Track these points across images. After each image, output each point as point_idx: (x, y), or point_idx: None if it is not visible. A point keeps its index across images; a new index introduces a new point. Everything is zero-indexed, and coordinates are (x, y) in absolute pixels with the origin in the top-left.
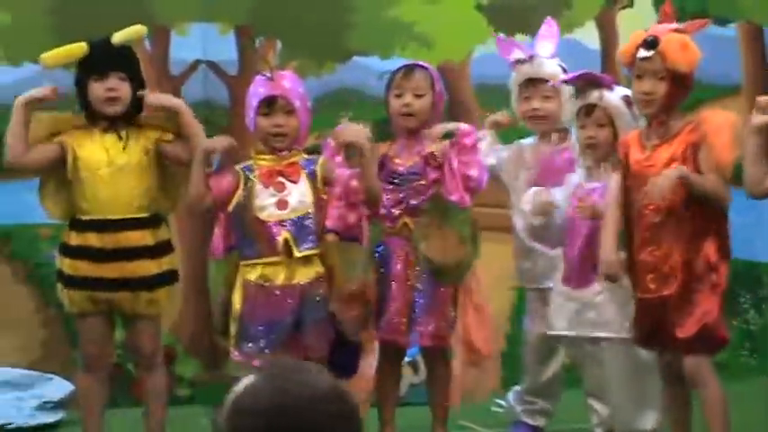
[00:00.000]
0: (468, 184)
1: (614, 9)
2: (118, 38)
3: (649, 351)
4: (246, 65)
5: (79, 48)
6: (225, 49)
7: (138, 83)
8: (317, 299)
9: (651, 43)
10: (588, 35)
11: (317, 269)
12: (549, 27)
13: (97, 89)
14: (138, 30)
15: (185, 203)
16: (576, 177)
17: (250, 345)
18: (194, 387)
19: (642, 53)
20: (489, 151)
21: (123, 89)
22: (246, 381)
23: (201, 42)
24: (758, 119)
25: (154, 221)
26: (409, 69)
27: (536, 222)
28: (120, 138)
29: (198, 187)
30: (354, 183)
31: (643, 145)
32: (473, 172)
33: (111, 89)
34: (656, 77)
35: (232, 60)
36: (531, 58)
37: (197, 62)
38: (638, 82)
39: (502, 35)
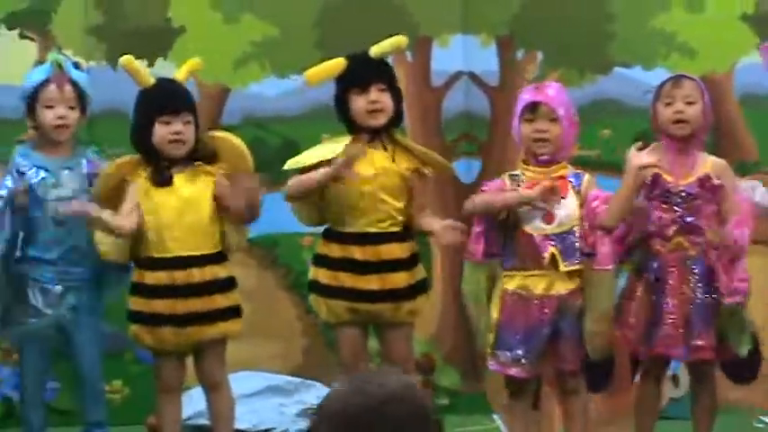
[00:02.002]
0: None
1: None
2: (376, 50)
3: None
4: (507, 76)
5: (339, 63)
6: (486, 60)
7: (396, 94)
8: (574, 311)
9: None
10: None
11: (577, 282)
12: None
13: (359, 102)
14: (396, 41)
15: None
16: None
17: (507, 354)
18: (453, 396)
19: None
20: None
21: (385, 100)
22: (334, 386)
23: (463, 53)
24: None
25: (406, 236)
26: (678, 78)
27: None
28: (385, 149)
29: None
30: (597, 205)
31: None
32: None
33: (374, 101)
34: None
35: (493, 71)
36: None
37: (458, 73)
38: None
39: None
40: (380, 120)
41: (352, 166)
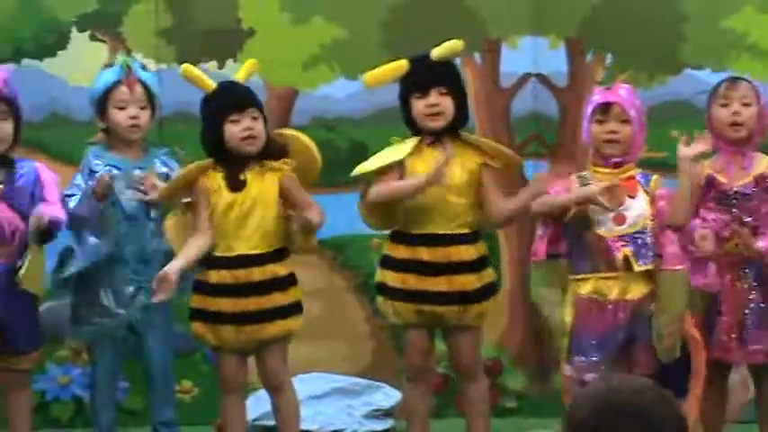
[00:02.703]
0: None
1: None
2: (437, 53)
3: None
4: (576, 77)
5: (400, 66)
6: (555, 61)
7: (459, 97)
8: (649, 315)
9: None
10: None
11: (651, 285)
12: None
13: (419, 105)
14: (455, 44)
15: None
16: None
17: (582, 359)
18: (521, 399)
19: None
20: None
21: (445, 103)
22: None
23: (532, 55)
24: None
25: (475, 237)
26: (734, 80)
27: None
28: (439, 151)
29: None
30: (663, 204)
31: None
32: None
33: (433, 105)
34: None
35: (562, 73)
36: None
37: (527, 75)
38: None
39: None
40: (440, 123)
41: (442, 179)
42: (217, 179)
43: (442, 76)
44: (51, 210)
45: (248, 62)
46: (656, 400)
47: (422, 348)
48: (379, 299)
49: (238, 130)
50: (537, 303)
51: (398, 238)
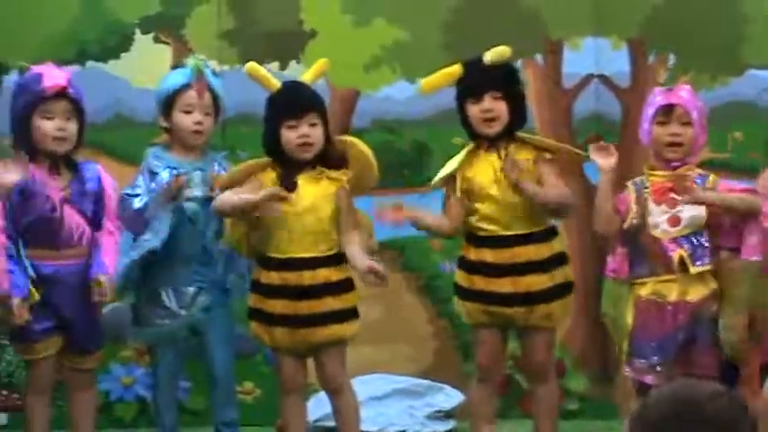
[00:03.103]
0: None
1: None
2: (489, 57)
3: None
4: (638, 78)
5: (454, 71)
6: (617, 62)
7: (514, 101)
8: (708, 316)
9: None
10: None
11: (711, 286)
12: None
13: (473, 110)
14: (503, 50)
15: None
16: None
17: (642, 360)
18: (583, 401)
19: None
20: None
21: (499, 108)
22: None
23: (594, 56)
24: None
25: (547, 236)
26: None
27: None
28: (499, 157)
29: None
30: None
31: None
32: None
33: (487, 110)
34: None
35: (624, 74)
36: None
37: (589, 76)
38: None
39: None
40: (494, 128)
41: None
42: (271, 179)
43: (495, 80)
44: (106, 263)
45: (318, 63)
46: (728, 405)
47: (492, 349)
48: (455, 299)
49: (294, 136)
50: (607, 320)
51: (469, 239)
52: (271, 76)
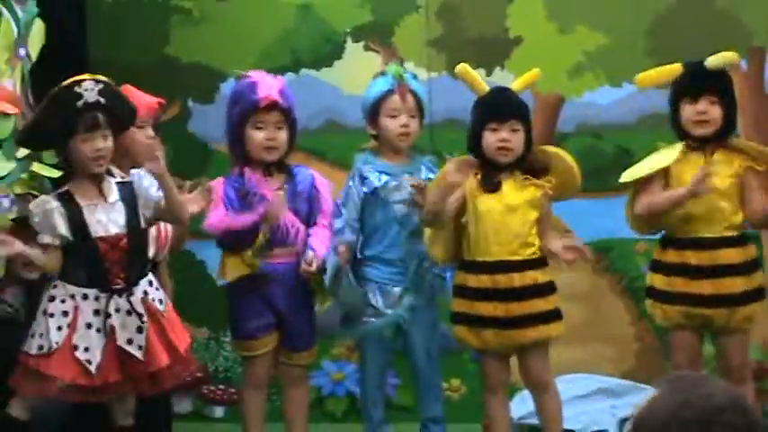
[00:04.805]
0: None
1: None
2: (712, 62)
3: None
4: None
5: (673, 69)
6: None
7: (729, 107)
8: None
9: None
10: None
11: None
12: None
13: (687, 111)
14: (732, 56)
15: None
16: None
17: None
18: None
19: None
20: None
21: (714, 112)
22: (650, 395)
23: None
24: None
25: (744, 240)
26: None
27: None
28: (705, 159)
29: None
30: None
31: None
32: None
33: (702, 112)
34: None
35: None
36: None
37: None
38: None
39: None
40: (707, 130)
41: (705, 190)
42: (474, 182)
43: (714, 84)
44: (316, 248)
45: (530, 72)
46: (740, 427)
47: (689, 351)
48: (648, 302)
49: (494, 140)
50: None
51: (667, 242)
52: (480, 78)
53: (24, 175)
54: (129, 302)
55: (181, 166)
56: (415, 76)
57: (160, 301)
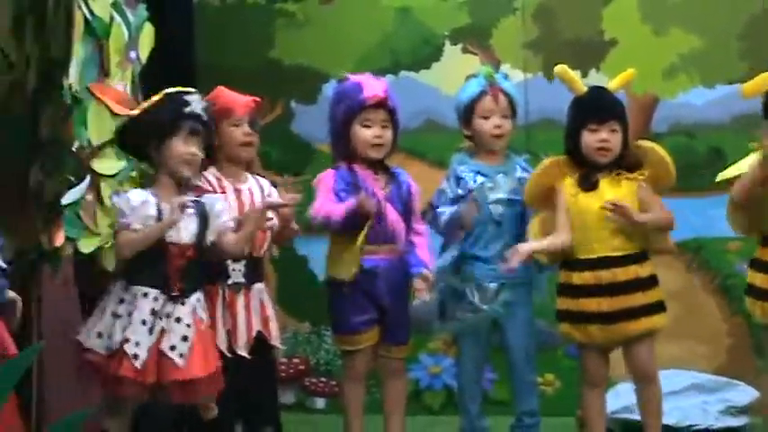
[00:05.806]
0: None
1: None
2: None
3: None
4: None
5: None
6: None
7: None
8: None
9: None
10: None
11: None
12: None
13: None
14: None
15: None
16: None
17: None
18: None
19: None
20: None
21: None
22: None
23: None
24: None
25: None
26: None
27: None
28: None
29: None
30: None
31: None
32: None
33: None
34: None
35: None
36: None
37: None
38: None
39: None
40: None
41: None
42: (572, 182)
43: None
44: (425, 260)
45: (625, 73)
46: None
47: None
48: (748, 299)
49: (594, 140)
50: None
51: (766, 241)
52: (578, 79)
53: (134, 173)
54: (181, 311)
55: (285, 166)
56: (506, 77)
57: (202, 320)
